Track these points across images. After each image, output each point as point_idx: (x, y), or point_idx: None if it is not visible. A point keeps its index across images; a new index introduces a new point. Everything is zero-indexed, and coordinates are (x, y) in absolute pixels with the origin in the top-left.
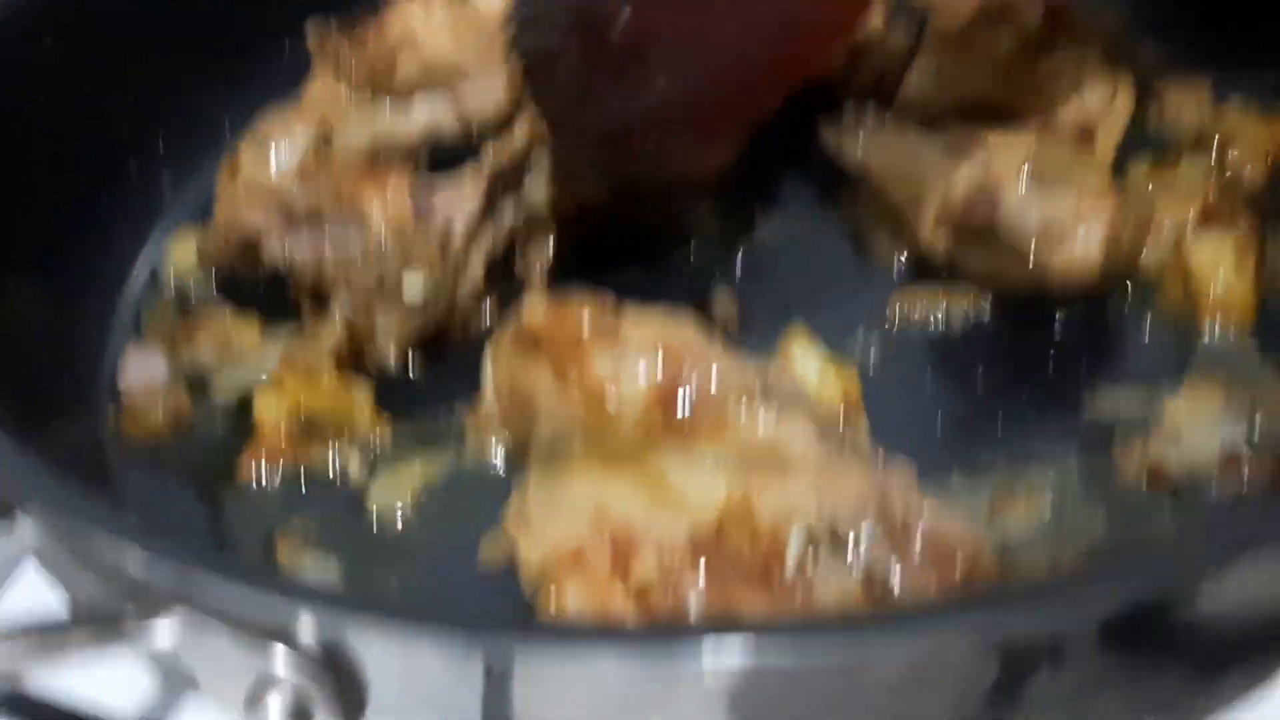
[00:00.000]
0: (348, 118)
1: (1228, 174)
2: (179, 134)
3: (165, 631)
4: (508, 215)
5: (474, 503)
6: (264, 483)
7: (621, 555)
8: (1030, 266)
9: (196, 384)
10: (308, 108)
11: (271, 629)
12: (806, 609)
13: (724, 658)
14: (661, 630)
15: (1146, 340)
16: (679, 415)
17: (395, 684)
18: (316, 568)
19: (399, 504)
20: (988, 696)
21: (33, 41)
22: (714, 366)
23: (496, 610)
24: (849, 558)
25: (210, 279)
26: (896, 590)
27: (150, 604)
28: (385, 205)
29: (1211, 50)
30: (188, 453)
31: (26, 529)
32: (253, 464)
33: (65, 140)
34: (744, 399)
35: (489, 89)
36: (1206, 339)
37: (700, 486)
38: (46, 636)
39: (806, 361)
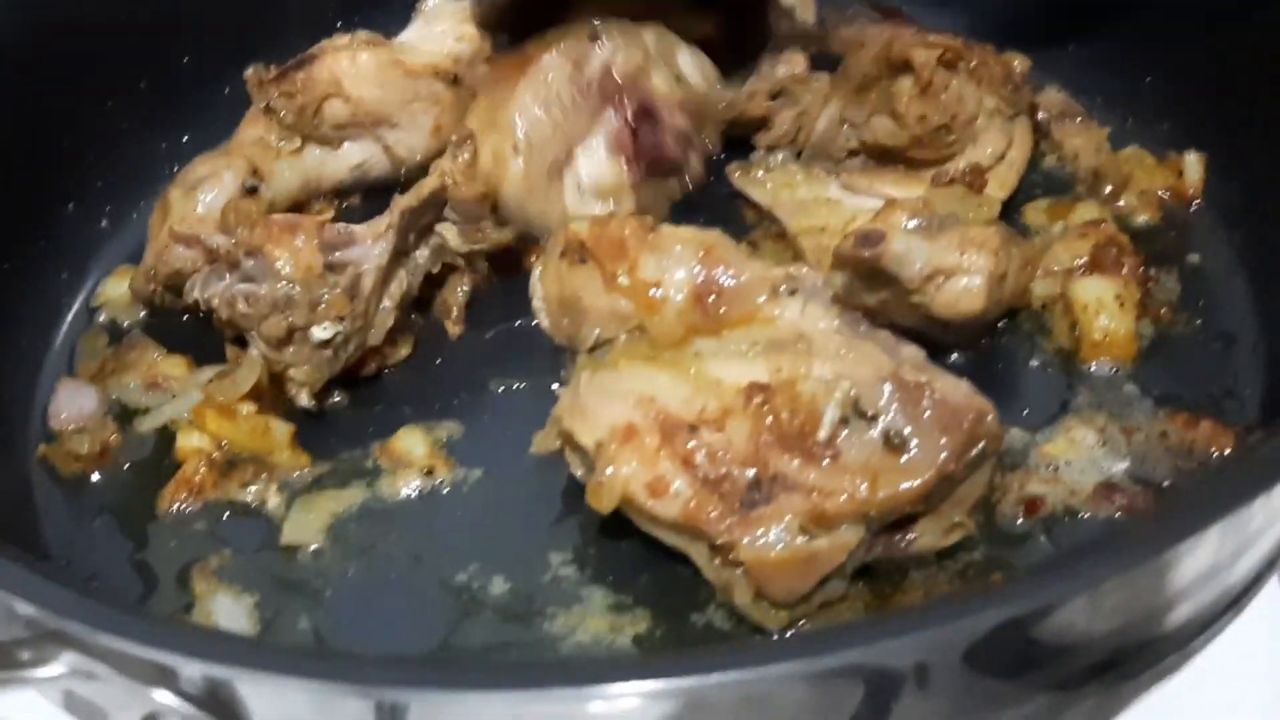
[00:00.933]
0: (277, 162)
1: (1121, 217)
2: (118, 175)
3: (55, 670)
4: (422, 259)
5: (385, 536)
6: (184, 516)
7: (669, 432)
8: (917, 306)
9: (124, 418)
10: (236, 152)
11: (153, 673)
12: (835, 470)
13: (592, 695)
14: (539, 670)
15: (1033, 376)
16: (714, 310)
17: None
18: (229, 602)
19: (312, 539)
20: None
21: None
22: (744, 265)
23: (408, 642)
24: (873, 425)
25: (139, 316)
26: (915, 452)
27: (41, 646)
28: (295, 256)
29: (1112, 99)
30: (112, 486)
31: None
32: (173, 498)
33: (4, 179)
34: (771, 292)
35: (414, 134)
36: (1090, 375)
37: (734, 371)
38: None
39: None
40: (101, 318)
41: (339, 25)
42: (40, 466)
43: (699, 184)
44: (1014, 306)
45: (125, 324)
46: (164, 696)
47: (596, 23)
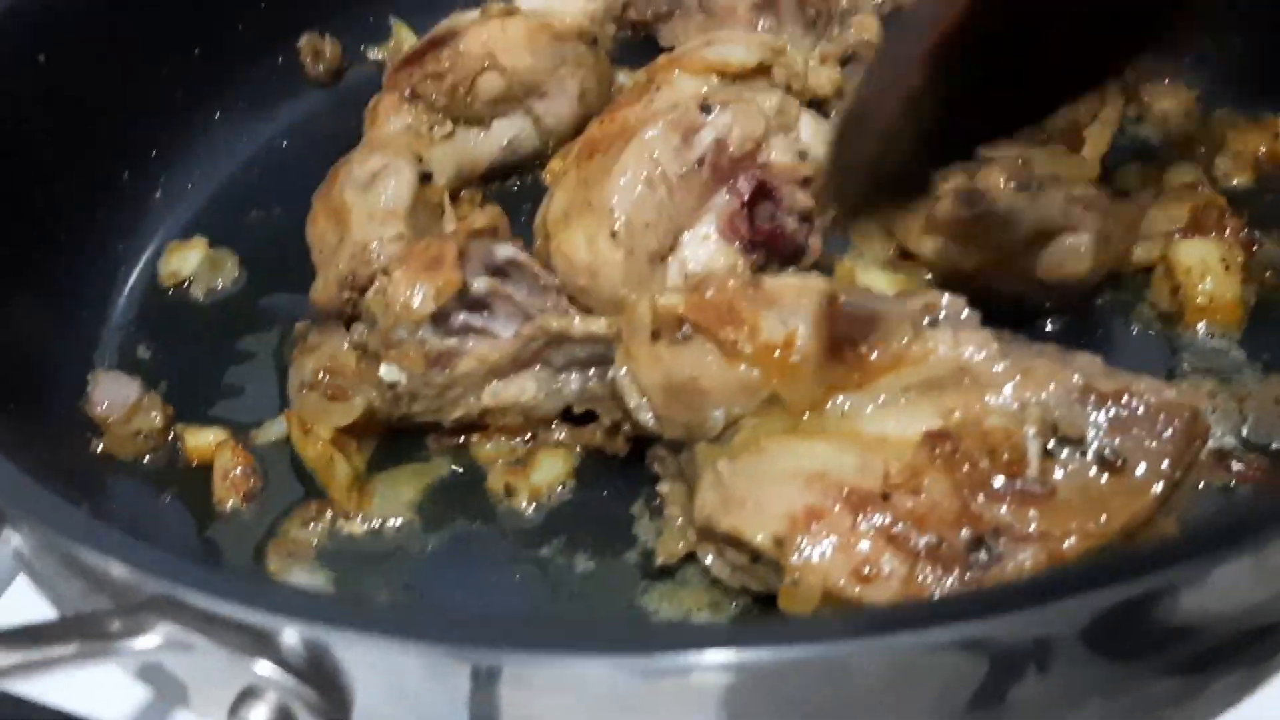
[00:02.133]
0: (431, 148)
1: (1215, 180)
2: (173, 145)
3: (150, 642)
4: (568, 387)
5: (463, 509)
6: (243, 506)
7: (859, 506)
8: (1020, 269)
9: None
10: (386, 144)
11: (253, 641)
12: (1058, 507)
13: (706, 662)
14: (642, 634)
15: (1134, 343)
16: (855, 361)
17: (379, 692)
18: (306, 577)
19: (398, 512)
20: (971, 701)
21: (28, 52)
22: (875, 302)
23: (490, 614)
24: (1082, 447)
25: (217, 288)
26: (1138, 468)
27: (134, 616)
28: (432, 293)
29: (1200, 58)
30: (175, 470)
31: (15, 541)
32: (227, 499)
33: (60, 152)
34: (912, 327)
35: (563, 102)
36: (1194, 341)
37: (899, 423)
38: (34, 644)
39: None
40: (170, 293)
41: None
42: (102, 453)
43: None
44: (1115, 270)
45: (201, 297)
46: (264, 668)
47: (704, 89)
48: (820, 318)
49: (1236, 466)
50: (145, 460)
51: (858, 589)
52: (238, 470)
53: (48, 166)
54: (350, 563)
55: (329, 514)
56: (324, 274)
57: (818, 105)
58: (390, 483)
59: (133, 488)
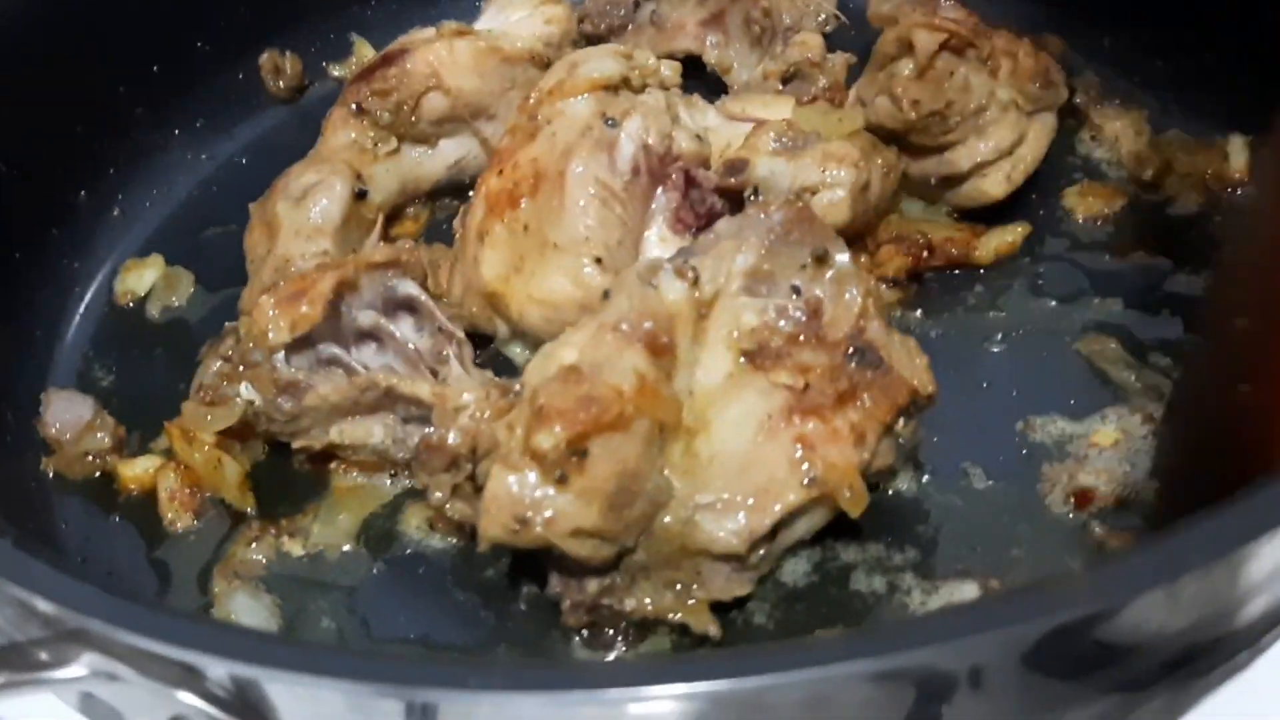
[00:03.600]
0: (375, 165)
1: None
2: (131, 163)
3: (76, 672)
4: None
5: (408, 529)
6: (191, 525)
7: (807, 413)
8: None
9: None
10: (330, 158)
11: (179, 674)
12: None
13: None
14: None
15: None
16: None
17: None
18: (251, 603)
19: (331, 537)
20: None
21: None
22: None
23: (439, 642)
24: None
25: (173, 305)
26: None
27: (61, 646)
28: (287, 315)
29: (1151, 80)
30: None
31: None
32: (173, 517)
33: (14, 169)
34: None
35: (512, 118)
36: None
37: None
38: None
39: None
40: (126, 311)
41: (355, 9)
42: (52, 472)
43: None
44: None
45: (156, 316)
46: (189, 698)
47: (595, 106)
48: (646, 345)
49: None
50: (95, 478)
51: (865, 454)
52: (186, 490)
53: (2, 184)
54: (294, 586)
55: (272, 534)
56: (251, 283)
57: None
58: (331, 507)
59: (83, 507)
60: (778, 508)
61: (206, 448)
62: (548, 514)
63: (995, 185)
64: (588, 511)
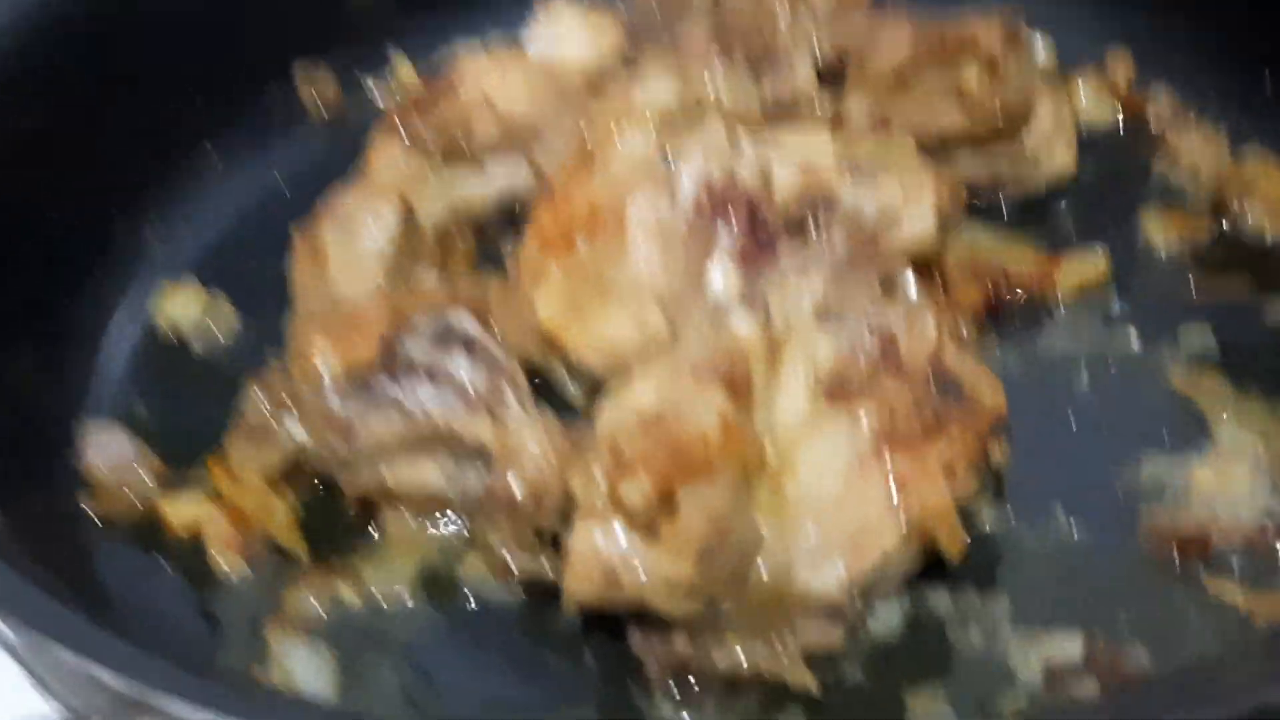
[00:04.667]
0: (423, 191)
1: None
2: (164, 183)
3: None
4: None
5: (470, 578)
6: (243, 571)
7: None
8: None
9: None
10: (378, 183)
11: None
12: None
13: None
14: None
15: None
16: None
17: None
18: (308, 656)
19: (397, 586)
20: None
21: (17, 89)
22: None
23: (505, 697)
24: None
25: (212, 335)
26: None
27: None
28: (343, 348)
29: (1227, 98)
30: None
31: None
32: (224, 561)
33: (53, 195)
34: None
35: (563, 144)
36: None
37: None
38: None
39: None
40: (167, 345)
41: (390, 28)
42: (93, 512)
43: None
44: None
45: (198, 350)
46: None
47: (653, 137)
48: (725, 385)
49: None
50: (136, 518)
51: (958, 488)
52: (234, 532)
53: (40, 210)
54: (352, 638)
55: (327, 581)
56: (297, 315)
57: None
58: (388, 553)
59: (124, 550)
60: (878, 553)
61: (253, 487)
62: (639, 570)
63: (1064, 156)
64: (681, 565)
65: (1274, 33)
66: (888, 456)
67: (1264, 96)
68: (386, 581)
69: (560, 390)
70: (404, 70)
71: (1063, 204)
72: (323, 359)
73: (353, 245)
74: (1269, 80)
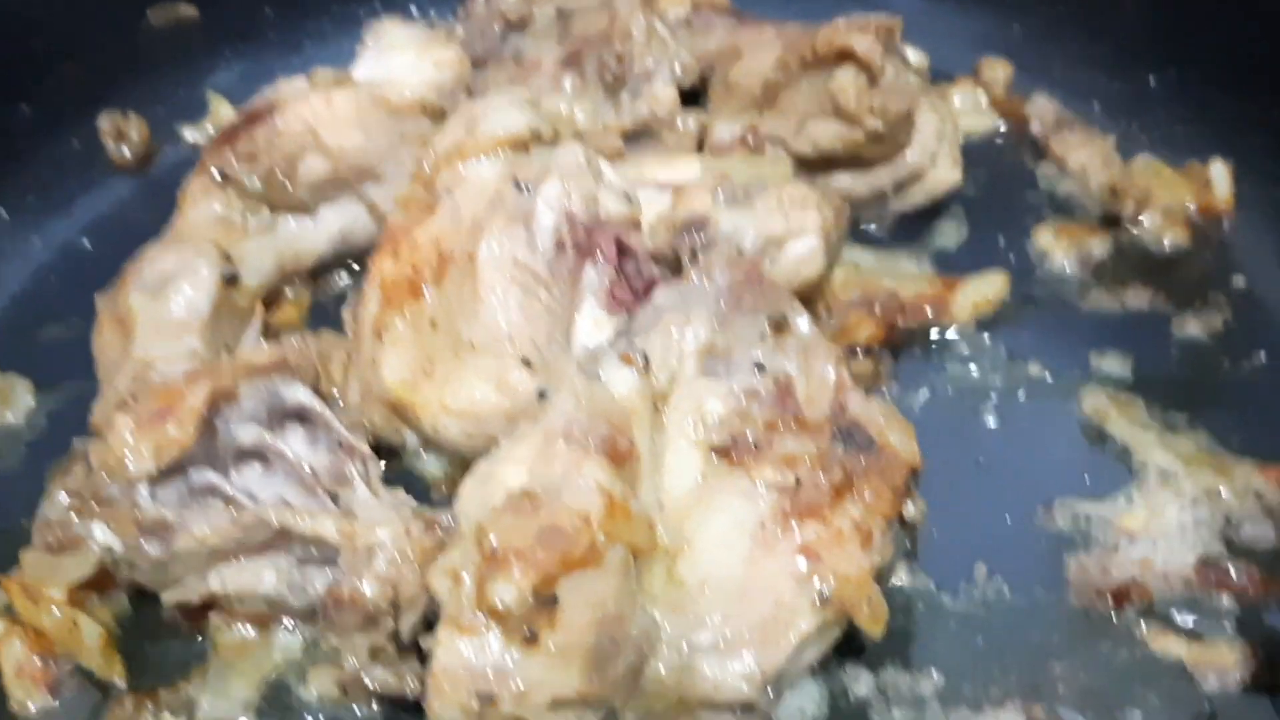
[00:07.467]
0: (245, 242)
1: (1145, 240)
2: None
3: None
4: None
5: (316, 697)
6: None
7: (803, 513)
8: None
9: None
10: (192, 236)
11: None
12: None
13: None
14: None
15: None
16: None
17: None
18: None
19: (232, 710)
20: None
21: None
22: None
23: None
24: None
25: None
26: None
27: None
28: (151, 451)
29: (1111, 104)
30: None
31: None
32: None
33: None
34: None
35: (401, 185)
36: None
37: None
38: None
39: None
40: None
41: (207, 61)
42: None
43: None
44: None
45: None
46: None
47: (501, 167)
48: (606, 454)
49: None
50: None
51: (875, 557)
52: (34, 660)
53: None
54: None
55: (150, 710)
56: (103, 394)
57: None
58: (220, 672)
59: None
60: (792, 638)
61: (56, 606)
62: (518, 685)
63: (950, 169)
64: (567, 674)
65: (1157, 38)
66: (794, 524)
67: (1150, 101)
68: (222, 708)
69: (415, 467)
70: (222, 113)
71: (949, 220)
72: (131, 449)
73: (164, 309)
74: (1155, 84)
